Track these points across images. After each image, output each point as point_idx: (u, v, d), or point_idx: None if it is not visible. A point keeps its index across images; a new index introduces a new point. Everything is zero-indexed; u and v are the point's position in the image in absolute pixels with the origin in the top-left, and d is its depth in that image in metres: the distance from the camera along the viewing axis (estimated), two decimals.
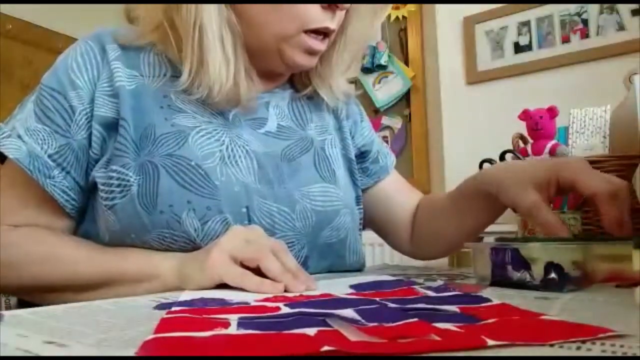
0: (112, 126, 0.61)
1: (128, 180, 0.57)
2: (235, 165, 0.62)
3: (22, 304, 0.65)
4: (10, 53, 2.30)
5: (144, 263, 0.56)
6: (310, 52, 0.65)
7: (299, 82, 0.76)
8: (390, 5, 0.68)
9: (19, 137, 0.59)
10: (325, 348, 0.23)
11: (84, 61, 0.63)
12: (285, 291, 0.47)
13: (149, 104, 0.62)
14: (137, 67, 0.64)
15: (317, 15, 0.62)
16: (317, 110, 0.76)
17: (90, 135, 0.61)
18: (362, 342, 0.25)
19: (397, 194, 0.83)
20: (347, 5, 0.64)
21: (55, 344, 0.27)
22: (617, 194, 0.53)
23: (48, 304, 0.42)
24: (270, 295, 0.45)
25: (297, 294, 0.45)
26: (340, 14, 0.65)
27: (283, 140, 0.69)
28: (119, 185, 0.58)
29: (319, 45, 0.64)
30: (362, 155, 0.81)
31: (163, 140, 0.60)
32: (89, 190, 0.62)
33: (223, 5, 0.62)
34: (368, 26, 0.72)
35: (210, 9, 0.60)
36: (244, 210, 0.60)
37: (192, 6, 0.60)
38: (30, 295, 0.61)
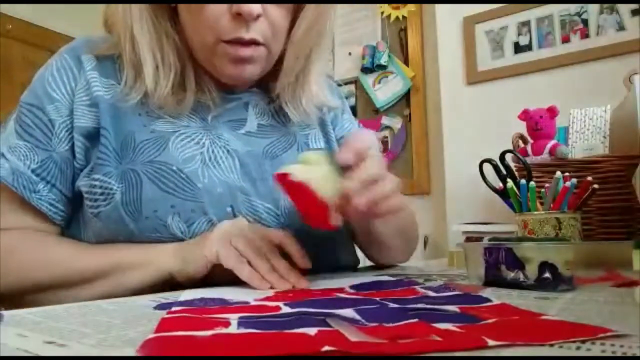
0: (93, 136, 0.61)
1: (111, 189, 0.58)
2: (217, 166, 0.62)
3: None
4: (10, 53, 2.30)
5: (139, 250, 0.57)
6: (238, 61, 0.61)
7: (267, 92, 0.72)
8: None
9: (2, 155, 0.60)
10: (326, 348, 0.23)
11: (60, 74, 0.63)
12: (271, 288, 0.50)
13: (127, 111, 0.62)
14: (112, 76, 0.64)
15: (227, 26, 0.58)
16: None
17: (72, 146, 0.61)
18: (362, 343, 0.25)
19: None
20: (256, 15, 0.58)
21: (55, 344, 0.27)
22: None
23: (32, 305, 0.42)
24: (270, 294, 0.45)
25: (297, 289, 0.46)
26: (259, 24, 0.59)
27: (264, 138, 0.69)
28: (102, 194, 0.58)
29: (243, 51, 0.60)
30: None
31: (143, 148, 0.60)
32: (76, 199, 0.62)
33: (159, 15, 0.62)
34: (315, 32, 0.66)
35: (143, 20, 0.61)
36: (229, 209, 0.61)
37: (126, 15, 0.61)
38: (22, 296, 0.59)
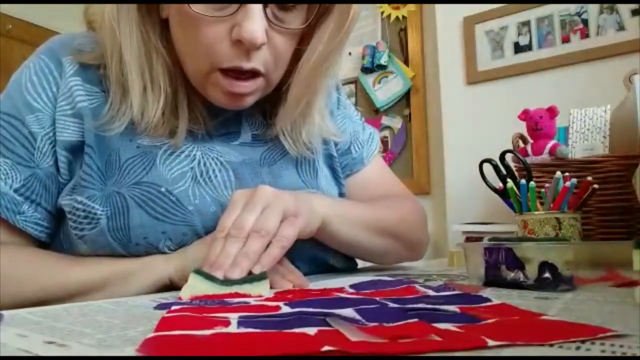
0: (77, 149, 0.58)
1: (95, 213, 0.55)
2: (209, 182, 0.59)
3: None
4: (10, 53, 2.30)
5: (133, 260, 0.55)
6: (232, 94, 0.56)
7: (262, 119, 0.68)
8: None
9: None
10: (326, 348, 0.23)
11: (40, 79, 0.58)
12: (271, 288, 0.50)
13: None
14: (97, 83, 0.59)
15: (225, 53, 0.53)
16: None
17: (56, 161, 0.57)
18: (362, 342, 0.25)
19: (366, 191, 0.76)
20: (260, 44, 0.52)
21: (55, 344, 0.27)
22: None
23: None
24: (270, 294, 0.45)
25: (297, 288, 0.46)
26: (261, 52, 0.54)
27: (260, 146, 0.66)
28: (85, 217, 0.55)
29: (238, 87, 0.55)
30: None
31: (129, 167, 0.57)
32: (60, 214, 0.59)
33: (149, 29, 0.56)
34: (320, 70, 0.60)
35: (133, 34, 0.55)
36: None
37: (113, 29, 0.55)
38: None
